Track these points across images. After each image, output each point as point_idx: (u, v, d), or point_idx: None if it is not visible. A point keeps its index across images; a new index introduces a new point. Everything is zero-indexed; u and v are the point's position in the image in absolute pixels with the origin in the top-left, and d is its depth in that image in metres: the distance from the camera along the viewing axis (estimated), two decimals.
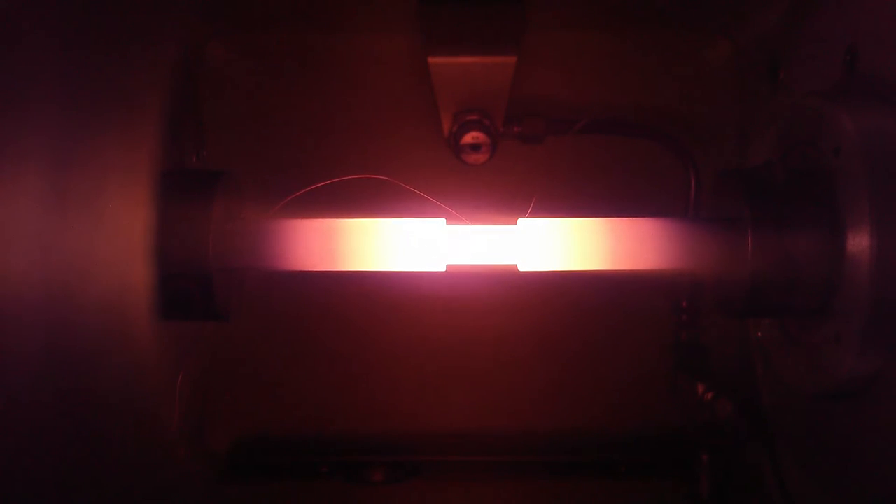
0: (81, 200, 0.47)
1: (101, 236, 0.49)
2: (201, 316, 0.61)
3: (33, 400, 0.43)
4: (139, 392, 0.57)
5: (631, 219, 0.60)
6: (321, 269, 0.61)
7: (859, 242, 0.52)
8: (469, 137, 0.76)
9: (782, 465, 0.70)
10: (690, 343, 0.79)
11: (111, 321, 0.51)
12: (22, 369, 0.42)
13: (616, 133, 0.79)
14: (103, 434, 0.51)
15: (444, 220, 0.61)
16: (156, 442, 0.62)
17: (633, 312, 0.84)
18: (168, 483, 0.64)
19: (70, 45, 0.47)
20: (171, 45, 0.68)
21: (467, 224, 0.62)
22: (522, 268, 0.61)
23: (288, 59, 0.83)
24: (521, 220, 0.60)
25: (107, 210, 0.50)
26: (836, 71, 0.58)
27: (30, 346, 0.42)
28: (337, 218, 0.60)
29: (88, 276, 0.48)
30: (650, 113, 0.81)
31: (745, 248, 0.57)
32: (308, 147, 0.83)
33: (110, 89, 0.52)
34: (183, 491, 0.71)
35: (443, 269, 0.61)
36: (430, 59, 0.71)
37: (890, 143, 0.51)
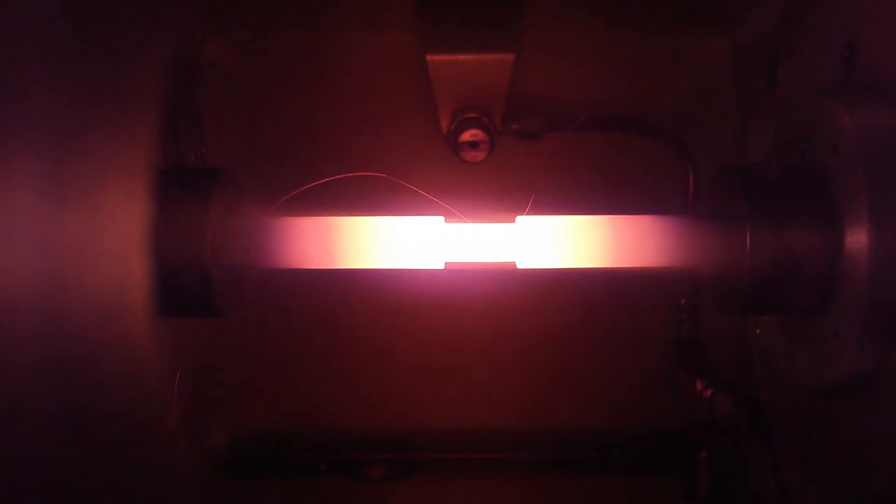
0: (79, 196, 0.47)
1: (98, 232, 0.49)
2: (199, 313, 0.61)
3: (30, 396, 0.43)
4: (137, 388, 0.57)
5: (629, 216, 0.60)
6: (320, 267, 0.60)
7: (857, 238, 0.52)
8: (468, 135, 0.76)
9: (781, 461, 0.70)
10: (689, 340, 0.79)
11: (109, 317, 0.51)
12: (18, 365, 0.42)
13: (614, 130, 0.79)
14: (100, 430, 0.50)
15: (442, 218, 0.61)
16: (153, 439, 0.61)
17: (632, 309, 0.84)
18: (166, 480, 0.64)
19: (68, 41, 0.47)
20: (169, 43, 0.68)
21: (466, 222, 0.62)
22: (521, 265, 0.61)
23: (286, 57, 0.83)
24: (519, 218, 0.60)
25: (104, 206, 0.50)
26: (834, 67, 0.58)
27: (27, 341, 0.42)
28: (335, 216, 0.60)
29: (86, 272, 0.48)
30: (649, 110, 0.81)
31: (744, 244, 0.57)
32: (306, 145, 0.83)
33: (107, 86, 0.52)
34: (181, 488, 0.71)
35: (441, 266, 0.61)
36: (429, 57, 0.71)
37: (888, 140, 0.51)
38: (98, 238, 0.49)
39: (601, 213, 0.60)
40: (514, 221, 0.61)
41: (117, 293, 0.52)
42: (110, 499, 0.53)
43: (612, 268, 0.60)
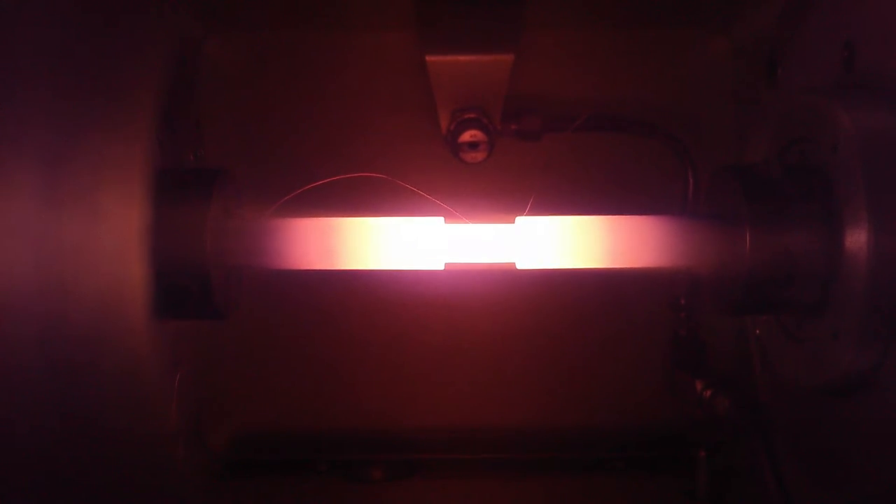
0: (76, 197, 0.47)
1: (95, 234, 0.49)
2: (199, 314, 0.61)
3: (28, 398, 0.43)
4: (136, 390, 0.57)
5: (628, 216, 0.60)
6: (319, 268, 0.60)
7: (856, 239, 0.52)
8: (467, 135, 0.76)
9: (780, 461, 0.70)
10: (688, 340, 0.79)
11: (107, 318, 0.51)
12: (16, 367, 0.42)
13: (614, 130, 0.79)
14: (99, 432, 0.50)
15: (442, 219, 0.61)
16: (153, 440, 0.61)
17: (631, 310, 0.84)
18: (166, 481, 0.64)
19: (65, 41, 0.47)
20: (167, 43, 0.67)
21: (465, 222, 0.62)
22: (520, 266, 0.61)
23: (286, 58, 0.82)
24: (518, 219, 0.60)
25: (102, 207, 0.50)
26: (833, 68, 0.58)
27: (24, 343, 0.42)
28: (335, 216, 0.60)
29: (83, 274, 0.48)
30: (648, 110, 0.81)
31: (743, 244, 0.57)
32: (306, 145, 0.83)
33: (105, 86, 0.52)
34: (181, 489, 0.71)
35: (441, 267, 0.61)
36: (428, 58, 0.71)
37: (886, 140, 0.51)
38: (95, 238, 0.49)
39: (600, 214, 0.60)
40: (513, 222, 0.61)
41: (115, 293, 0.52)
42: (109, 499, 0.53)
43: (611, 268, 0.60)
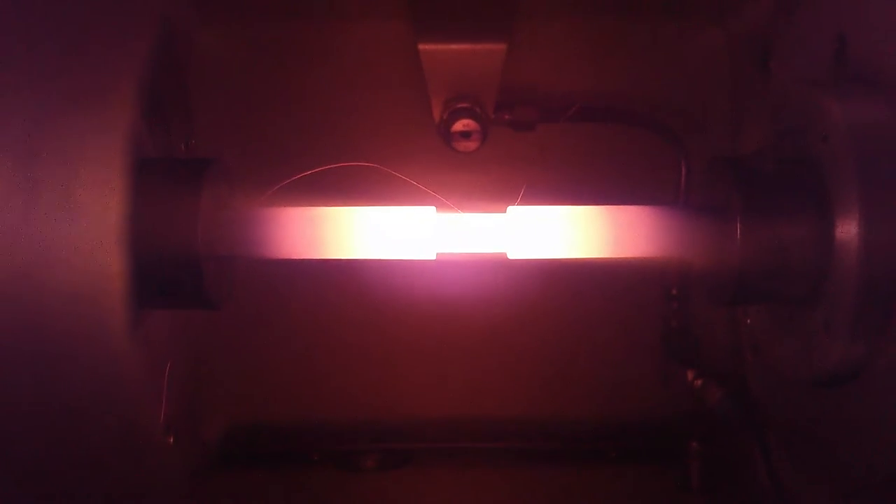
0: (50, 187, 0.46)
1: (71, 225, 0.48)
2: (191, 304, 0.61)
3: (8, 396, 0.42)
4: (120, 383, 0.56)
5: (621, 207, 0.60)
6: (311, 258, 0.60)
7: (848, 229, 0.51)
8: (460, 125, 0.76)
9: (772, 451, 0.70)
10: (680, 330, 0.79)
11: (84, 311, 0.50)
12: None
13: (607, 121, 0.79)
14: (83, 427, 0.50)
15: (434, 208, 0.61)
16: (142, 432, 0.61)
17: (623, 300, 0.84)
18: (157, 474, 0.64)
19: (45, 27, 0.46)
20: (155, 30, 0.67)
21: (457, 212, 0.61)
22: (512, 256, 0.60)
23: (278, 47, 0.82)
24: (510, 208, 0.60)
25: (77, 197, 0.49)
26: (825, 59, 0.58)
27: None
28: (326, 206, 0.60)
29: (58, 266, 0.47)
30: (641, 101, 0.81)
31: (735, 235, 0.56)
32: (298, 134, 0.83)
33: (84, 73, 0.51)
34: (174, 481, 0.71)
35: (433, 257, 0.61)
36: (421, 46, 0.71)
37: (878, 130, 0.51)
38: (71, 230, 0.49)
39: (593, 204, 0.60)
40: (505, 212, 0.60)
41: (93, 285, 0.51)
42: (98, 495, 0.53)
43: (603, 258, 0.60)
